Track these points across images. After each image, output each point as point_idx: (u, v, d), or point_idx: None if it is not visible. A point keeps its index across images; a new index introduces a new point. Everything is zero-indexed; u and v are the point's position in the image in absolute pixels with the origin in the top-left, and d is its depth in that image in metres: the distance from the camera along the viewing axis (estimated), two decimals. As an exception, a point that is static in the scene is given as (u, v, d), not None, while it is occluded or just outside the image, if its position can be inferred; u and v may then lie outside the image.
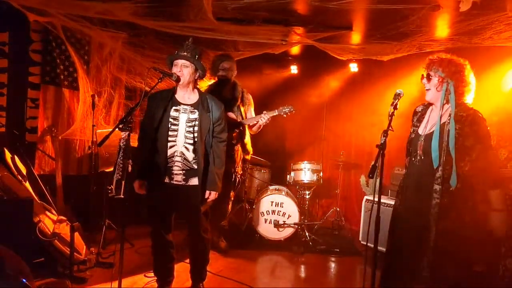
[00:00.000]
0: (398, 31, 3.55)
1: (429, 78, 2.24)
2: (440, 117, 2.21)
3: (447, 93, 2.21)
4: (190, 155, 2.68)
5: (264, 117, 3.80)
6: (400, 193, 2.38)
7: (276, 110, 3.82)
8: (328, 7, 3.14)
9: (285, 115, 3.84)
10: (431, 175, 2.16)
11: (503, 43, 3.49)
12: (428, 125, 2.29)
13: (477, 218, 2.11)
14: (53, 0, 3.23)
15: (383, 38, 3.80)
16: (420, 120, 2.37)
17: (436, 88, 2.23)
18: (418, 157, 2.25)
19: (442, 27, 3.56)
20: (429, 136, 2.21)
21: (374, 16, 3.51)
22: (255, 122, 3.91)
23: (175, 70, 2.68)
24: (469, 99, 2.24)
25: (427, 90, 2.27)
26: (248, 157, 4.26)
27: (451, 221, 2.11)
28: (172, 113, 2.68)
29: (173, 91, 2.76)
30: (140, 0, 3.15)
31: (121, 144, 2.49)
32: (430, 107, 2.35)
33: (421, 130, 2.31)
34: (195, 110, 2.72)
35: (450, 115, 2.16)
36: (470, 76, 2.24)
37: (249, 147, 4.17)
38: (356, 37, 4.16)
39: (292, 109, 3.83)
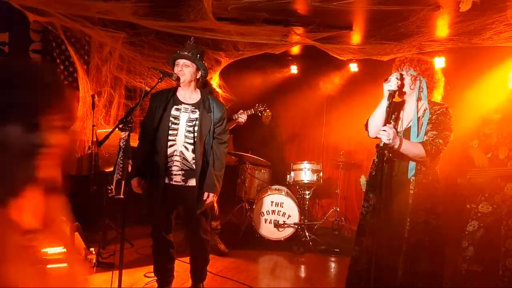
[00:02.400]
0: (398, 32, 3.55)
1: (401, 77, 2.26)
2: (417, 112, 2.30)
3: (420, 90, 2.29)
4: (189, 155, 2.68)
5: (243, 116, 3.91)
6: (376, 191, 2.27)
7: (252, 109, 3.99)
8: (328, 7, 3.14)
9: (260, 114, 4.06)
10: (407, 170, 2.24)
11: (503, 43, 3.50)
12: (404, 121, 2.35)
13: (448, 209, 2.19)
14: (53, 0, 3.23)
15: (383, 38, 3.81)
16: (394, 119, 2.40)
17: (410, 87, 2.29)
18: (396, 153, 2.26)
19: (442, 28, 3.57)
20: (407, 131, 2.29)
21: (374, 16, 3.51)
22: (234, 119, 3.97)
23: (176, 69, 2.68)
24: (437, 95, 2.35)
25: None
26: None
27: (425, 212, 2.20)
28: (173, 112, 2.68)
29: (174, 90, 2.76)
30: (141, 0, 3.15)
31: (121, 144, 2.48)
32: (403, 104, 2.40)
33: (398, 127, 2.35)
34: (196, 110, 2.71)
35: (425, 110, 2.26)
36: (439, 74, 2.35)
37: None
38: (356, 37, 4.17)
39: (266, 109, 3.99)
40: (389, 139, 2.06)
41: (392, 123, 2.35)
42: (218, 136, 2.79)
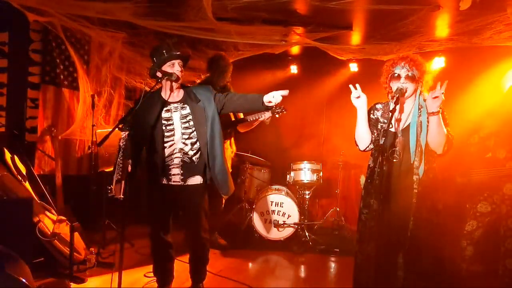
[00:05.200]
0: (398, 32, 3.56)
1: (411, 78, 2.27)
2: (411, 111, 2.31)
3: (420, 93, 2.31)
4: (190, 150, 2.68)
5: (267, 114, 3.90)
6: (378, 195, 2.26)
7: (270, 111, 3.94)
8: (328, 7, 3.14)
9: (277, 115, 3.95)
10: (410, 169, 2.23)
11: (503, 43, 3.50)
12: (402, 120, 2.33)
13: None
14: (53, 0, 3.23)
15: (383, 38, 3.81)
16: (385, 117, 2.38)
17: (415, 89, 2.30)
18: (396, 154, 2.26)
19: (442, 27, 3.58)
20: (406, 131, 2.28)
21: (374, 16, 3.52)
22: (255, 119, 3.98)
23: (172, 70, 2.65)
24: (425, 92, 2.36)
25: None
26: (232, 154, 4.35)
27: (427, 210, 2.21)
28: (164, 114, 2.66)
29: (157, 93, 2.73)
30: (140, 0, 3.15)
31: (121, 144, 2.47)
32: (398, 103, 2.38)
33: (393, 128, 2.32)
34: (186, 105, 2.70)
35: (421, 108, 2.26)
36: (431, 73, 2.38)
37: (233, 145, 4.33)
38: (356, 37, 4.17)
39: (284, 110, 3.97)
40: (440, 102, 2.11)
41: (380, 125, 2.37)
42: (226, 96, 2.76)
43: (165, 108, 2.67)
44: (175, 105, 2.71)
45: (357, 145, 2.44)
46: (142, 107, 2.54)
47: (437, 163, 2.32)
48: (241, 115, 4.18)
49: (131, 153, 2.63)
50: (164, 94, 2.72)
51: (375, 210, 2.26)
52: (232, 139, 4.26)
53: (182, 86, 2.80)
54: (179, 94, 2.76)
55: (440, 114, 2.15)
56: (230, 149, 4.22)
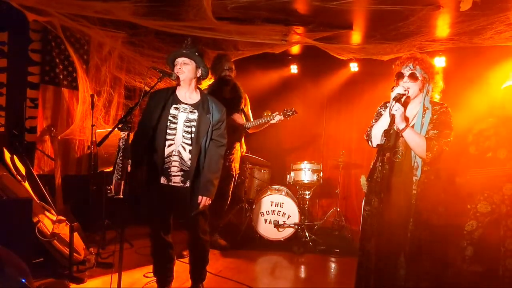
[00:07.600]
0: (398, 32, 3.56)
1: (415, 77, 2.25)
2: (417, 112, 2.29)
3: (427, 92, 2.29)
4: (186, 155, 2.66)
5: (277, 117, 4.03)
6: (378, 193, 2.27)
7: (281, 113, 4.09)
8: (328, 7, 3.14)
9: (288, 118, 4.12)
10: (411, 170, 2.23)
11: (504, 43, 3.50)
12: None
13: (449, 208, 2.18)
14: (53, 0, 3.22)
15: (384, 38, 3.81)
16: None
17: (420, 89, 2.28)
18: (398, 154, 2.26)
19: (442, 27, 3.57)
20: None
21: (374, 16, 3.51)
22: (266, 122, 4.09)
23: (176, 69, 2.67)
24: (436, 94, 2.35)
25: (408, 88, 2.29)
26: (242, 154, 4.38)
27: (427, 212, 2.20)
28: (172, 111, 2.66)
29: (173, 89, 2.74)
30: (140, 0, 3.15)
31: (121, 144, 2.46)
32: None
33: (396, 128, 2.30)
34: (195, 111, 2.69)
35: (426, 110, 2.25)
36: (440, 75, 2.35)
37: (244, 145, 4.36)
38: (356, 37, 4.17)
39: (295, 112, 4.04)
40: (397, 111, 2.09)
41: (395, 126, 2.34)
42: (217, 138, 2.74)
43: (174, 106, 2.67)
44: (185, 106, 2.69)
45: (369, 140, 2.39)
46: (154, 101, 2.63)
47: (440, 165, 2.30)
48: (251, 117, 4.22)
49: (133, 151, 2.62)
50: (178, 92, 2.72)
51: (375, 207, 2.27)
52: (242, 139, 4.28)
53: (200, 92, 2.79)
54: (193, 97, 2.74)
55: (409, 128, 2.15)
56: (239, 150, 4.23)
